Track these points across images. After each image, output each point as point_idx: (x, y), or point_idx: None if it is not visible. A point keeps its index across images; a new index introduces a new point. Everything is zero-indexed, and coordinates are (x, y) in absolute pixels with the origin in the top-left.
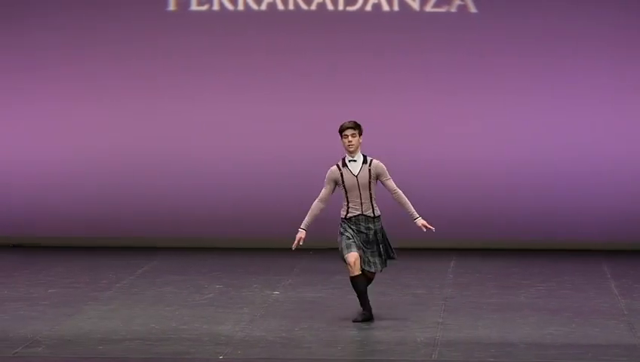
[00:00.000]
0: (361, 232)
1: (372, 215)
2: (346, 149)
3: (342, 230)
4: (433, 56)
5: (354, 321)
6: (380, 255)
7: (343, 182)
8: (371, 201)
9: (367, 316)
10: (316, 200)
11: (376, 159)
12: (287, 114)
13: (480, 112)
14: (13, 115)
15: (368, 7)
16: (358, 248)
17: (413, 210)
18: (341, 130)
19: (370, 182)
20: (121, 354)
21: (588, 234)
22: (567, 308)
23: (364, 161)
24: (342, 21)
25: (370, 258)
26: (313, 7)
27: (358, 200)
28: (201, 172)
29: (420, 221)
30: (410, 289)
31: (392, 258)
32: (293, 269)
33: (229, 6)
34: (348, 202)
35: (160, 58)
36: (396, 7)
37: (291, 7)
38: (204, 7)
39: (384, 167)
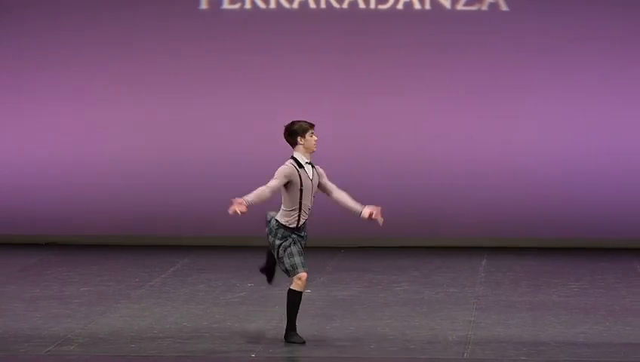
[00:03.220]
0: (299, 238)
1: (305, 222)
2: (310, 149)
3: (291, 240)
4: (464, 54)
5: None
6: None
7: (301, 184)
8: (310, 208)
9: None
10: (265, 187)
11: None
12: (321, 111)
13: (512, 110)
14: (45, 114)
15: (400, 6)
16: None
17: (355, 204)
18: (307, 128)
19: (313, 188)
20: (154, 352)
21: (620, 233)
22: (600, 306)
23: (312, 165)
24: (373, 19)
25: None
26: (345, 5)
27: (309, 205)
28: (234, 171)
29: (366, 211)
30: (442, 288)
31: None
32: (325, 268)
33: (261, 5)
34: (300, 208)
35: (192, 56)
36: (428, 6)
37: (323, 5)
38: (236, 6)
39: (322, 169)
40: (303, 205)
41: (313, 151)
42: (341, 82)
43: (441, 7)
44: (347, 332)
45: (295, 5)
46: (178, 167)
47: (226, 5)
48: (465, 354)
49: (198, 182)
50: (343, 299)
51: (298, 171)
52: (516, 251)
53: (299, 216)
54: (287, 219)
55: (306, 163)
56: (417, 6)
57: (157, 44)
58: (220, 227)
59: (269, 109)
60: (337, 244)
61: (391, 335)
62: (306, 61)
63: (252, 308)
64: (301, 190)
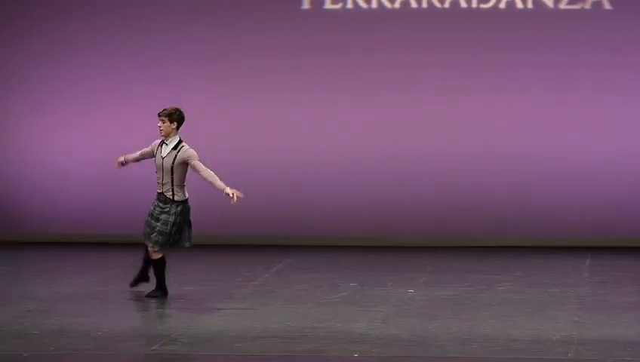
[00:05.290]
0: (158, 207)
1: (171, 198)
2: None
3: (150, 207)
4: (567, 53)
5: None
6: (166, 234)
7: (155, 158)
8: (172, 185)
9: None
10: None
11: (192, 148)
12: (421, 110)
13: (615, 110)
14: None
15: (502, 5)
16: (147, 224)
17: (220, 183)
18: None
19: (172, 167)
20: (257, 351)
21: None
22: None
23: (175, 148)
24: (475, 19)
25: (152, 233)
26: (446, 4)
27: (161, 180)
28: (337, 171)
29: (228, 190)
30: (545, 288)
31: (182, 245)
32: (427, 267)
33: (363, 4)
34: (156, 177)
35: (294, 56)
36: (530, 5)
37: (424, 5)
38: (338, 6)
39: (193, 152)
40: (157, 177)
41: (163, 137)
42: (442, 81)
43: (543, 6)
44: (450, 331)
45: (397, 5)
46: (283, 167)
47: (328, 5)
48: (569, 354)
49: (298, 183)
50: (445, 298)
51: (159, 147)
52: (620, 250)
53: (157, 184)
54: None
55: (163, 143)
56: (520, 5)
57: (258, 44)
58: (323, 226)
59: (370, 109)
60: (439, 244)
61: (494, 335)
62: (407, 61)
63: (355, 307)
64: (155, 163)
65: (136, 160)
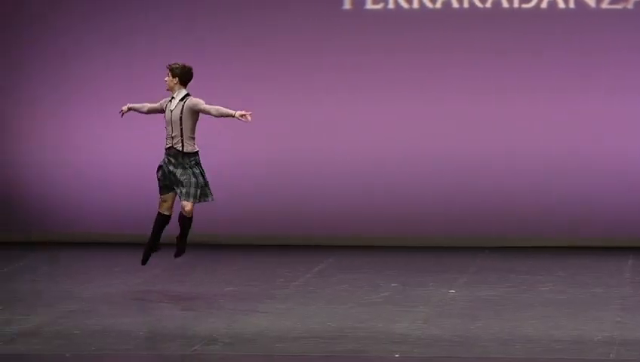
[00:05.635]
0: (170, 163)
1: (180, 150)
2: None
3: (160, 162)
4: (609, 54)
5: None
6: (196, 185)
7: (165, 112)
8: (182, 137)
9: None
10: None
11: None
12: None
13: None
14: (156, 116)
15: (544, 5)
16: (169, 187)
17: (229, 110)
18: None
19: (181, 118)
20: (298, 351)
21: None
22: None
23: (182, 99)
24: (516, 19)
25: (182, 189)
26: (488, 4)
27: (170, 133)
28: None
29: (237, 115)
30: (587, 288)
31: (203, 199)
32: (469, 268)
33: (404, 5)
34: (166, 133)
35: (335, 56)
36: (572, 5)
37: (466, 5)
38: (379, 6)
39: (199, 99)
40: (166, 131)
41: (169, 90)
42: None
43: (585, 6)
44: (491, 332)
45: (438, 5)
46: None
47: (369, 5)
48: (611, 355)
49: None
50: (486, 299)
51: (168, 102)
52: None
53: (165, 139)
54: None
55: (172, 98)
56: (562, 5)
57: (299, 44)
58: (363, 226)
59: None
60: (481, 244)
61: (535, 336)
62: (449, 61)
63: (396, 308)
64: (164, 117)
65: (142, 112)
